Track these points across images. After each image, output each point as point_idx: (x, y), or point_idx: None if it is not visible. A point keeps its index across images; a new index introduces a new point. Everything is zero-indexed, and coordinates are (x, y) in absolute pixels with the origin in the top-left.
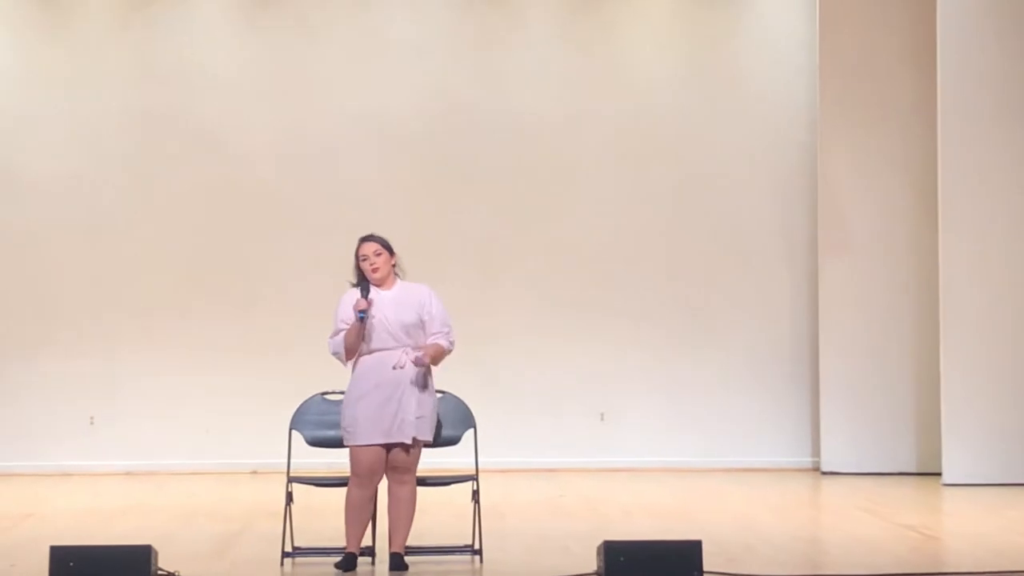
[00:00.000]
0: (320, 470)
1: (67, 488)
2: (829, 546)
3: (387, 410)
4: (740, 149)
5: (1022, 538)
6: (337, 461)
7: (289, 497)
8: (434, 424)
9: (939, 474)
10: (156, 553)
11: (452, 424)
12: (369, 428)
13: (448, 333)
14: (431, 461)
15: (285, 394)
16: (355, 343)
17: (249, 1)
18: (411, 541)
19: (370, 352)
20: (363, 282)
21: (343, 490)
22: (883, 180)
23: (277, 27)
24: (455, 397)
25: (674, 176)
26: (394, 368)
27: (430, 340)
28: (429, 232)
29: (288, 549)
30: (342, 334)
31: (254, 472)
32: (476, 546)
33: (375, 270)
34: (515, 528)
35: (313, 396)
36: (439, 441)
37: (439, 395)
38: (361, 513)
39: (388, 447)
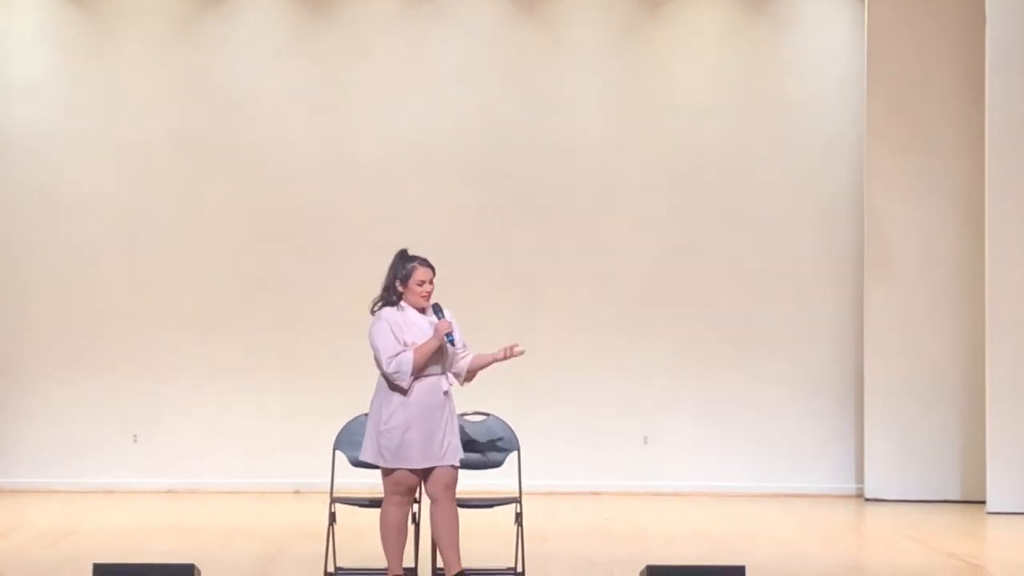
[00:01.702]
0: (363, 490)
1: (109, 505)
2: (871, 574)
3: (437, 434)
4: (785, 173)
5: None
6: (379, 481)
7: (332, 517)
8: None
9: (983, 502)
10: (199, 572)
11: (496, 446)
12: (419, 453)
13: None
14: (474, 483)
15: (329, 414)
16: (423, 367)
17: (294, 22)
18: None
19: (421, 377)
20: (397, 301)
21: None
22: (929, 204)
23: (321, 47)
24: (499, 419)
25: (718, 199)
26: (444, 394)
27: (474, 356)
28: (471, 254)
29: (331, 569)
30: (408, 354)
31: (297, 492)
32: (519, 569)
33: (427, 296)
34: (558, 551)
35: (357, 416)
36: (484, 464)
37: (483, 417)
38: (400, 534)
39: (428, 470)
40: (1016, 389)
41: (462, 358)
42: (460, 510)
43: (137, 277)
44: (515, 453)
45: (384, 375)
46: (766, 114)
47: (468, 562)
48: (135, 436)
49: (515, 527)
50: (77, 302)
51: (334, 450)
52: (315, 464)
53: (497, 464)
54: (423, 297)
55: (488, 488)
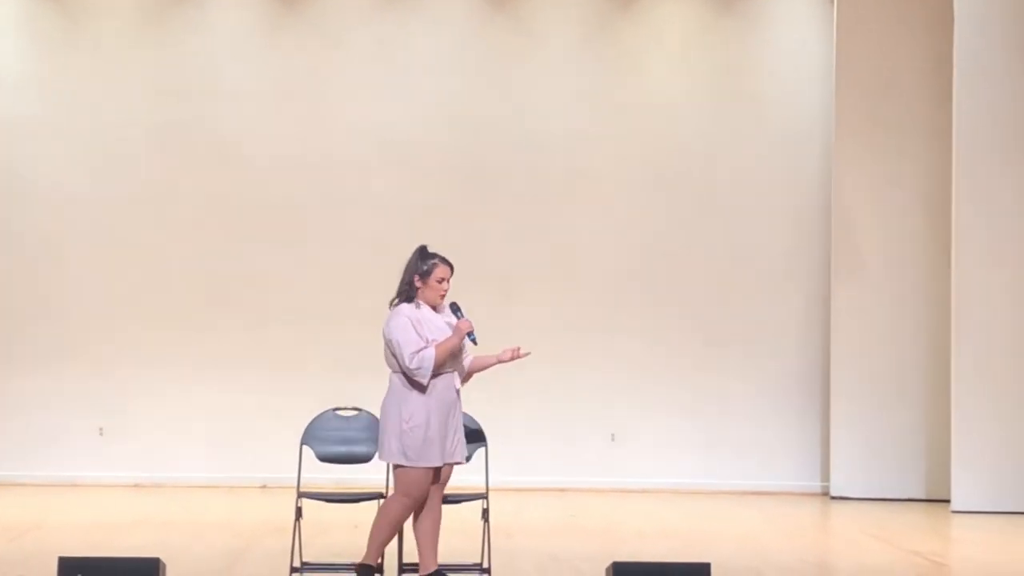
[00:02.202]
0: (330, 486)
1: (76, 499)
2: (837, 571)
3: (450, 431)
4: (755, 172)
5: None
6: (346, 477)
7: (298, 512)
8: None
9: (948, 501)
10: (164, 566)
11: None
12: (438, 450)
13: None
14: None
15: (296, 409)
16: (444, 364)
17: (268, 15)
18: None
19: (437, 375)
20: (412, 300)
21: (353, 506)
22: (897, 205)
23: (294, 41)
24: (467, 415)
25: (688, 198)
26: (456, 391)
27: (473, 357)
28: (443, 247)
29: (296, 564)
30: (431, 350)
31: (263, 487)
32: (485, 565)
33: (444, 295)
34: (525, 547)
35: (324, 412)
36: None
37: None
38: (397, 529)
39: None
40: (980, 389)
41: (464, 358)
42: None
43: (105, 270)
44: (483, 448)
45: (403, 371)
46: (736, 112)
47: None
48: (101, 429)
49: (482, 523)
50: (45, 294)
51: (301, 445)
52: (282, 459)
53: (464, 460)
54: (441, 295)
55: (455, 484)
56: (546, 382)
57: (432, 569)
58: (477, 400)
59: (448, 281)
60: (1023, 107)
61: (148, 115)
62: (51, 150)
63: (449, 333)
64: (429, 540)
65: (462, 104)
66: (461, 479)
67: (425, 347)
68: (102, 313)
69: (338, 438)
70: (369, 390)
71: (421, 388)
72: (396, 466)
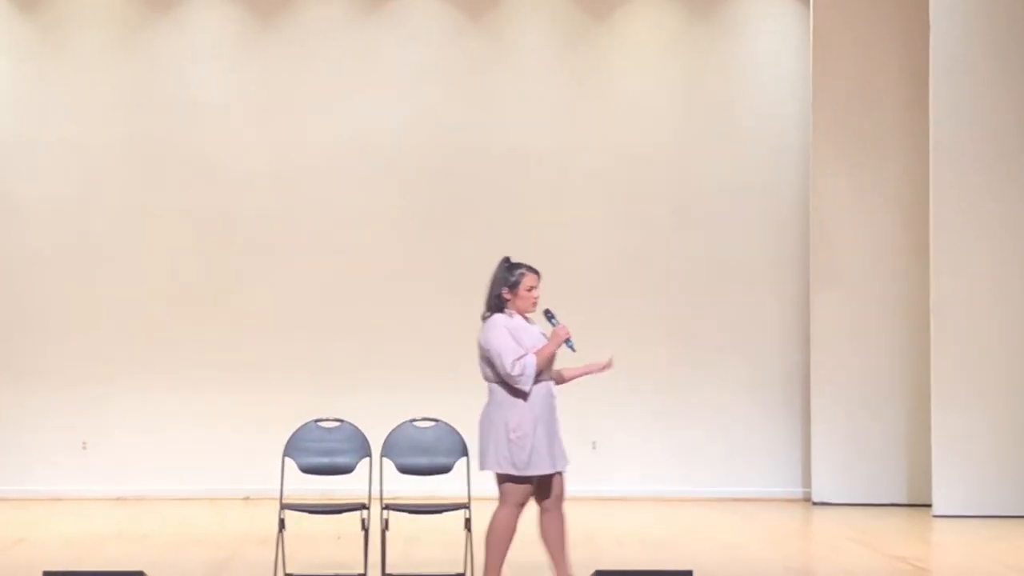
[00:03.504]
0: (313, 497)
1: (58, 513)
2: None
3: (555, 439)
4: (732, 180)
5: (1009, 570)
6: (329, 488)
7: (281, 524)
8: None
9: (929, 505)
10: None
11: (445, 452)
12: (546, 458)
13: None
14: (423, 488)
15: (278, 420)
16: (543, 370)
17: (244, 28)
18: (403, 569)
19: (537, 382)
20: (502, 310)
21: (336, 517)
22: (874, 211)
23: (270, 53)
24: (447, 425)
25: (665, 206)
26: (554, 398)
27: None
28: (419, 256)
29: None
30: (530, 357)
31: (246, 498)
32: (468, 574)
33: (536, 302)
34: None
35: (307, 423)
36: (432, 469)
37: (432, 423)
38: (507, 545)
39: (548, 476)
40: (961, 394)
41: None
42: (409, 515)
43: (86, 283)
44: (464, 458)
45: (505, 379)
46: (713, 119)
47: (417, 568)
48: (84, 443)
49: (464, 533)
50: (25, 307)
51: (284, 457)
52: (265, 471)
53: (446, 470)
54: (533, 303)
55: (437, 494)
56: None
57: (564, 575)
58: (457, 410)
59: (537, 288)
60: (1000, 114)
61: (126, 128)
62: (28, 163)
63: (544, 341)
64: (559, 548)
65: (438, 114)
66: (443, 488)
67: (525, 354)
68: (83, 326)
69: (320, 449)
70: (351, 401)
71: (524, 396)
72: (502, 477)
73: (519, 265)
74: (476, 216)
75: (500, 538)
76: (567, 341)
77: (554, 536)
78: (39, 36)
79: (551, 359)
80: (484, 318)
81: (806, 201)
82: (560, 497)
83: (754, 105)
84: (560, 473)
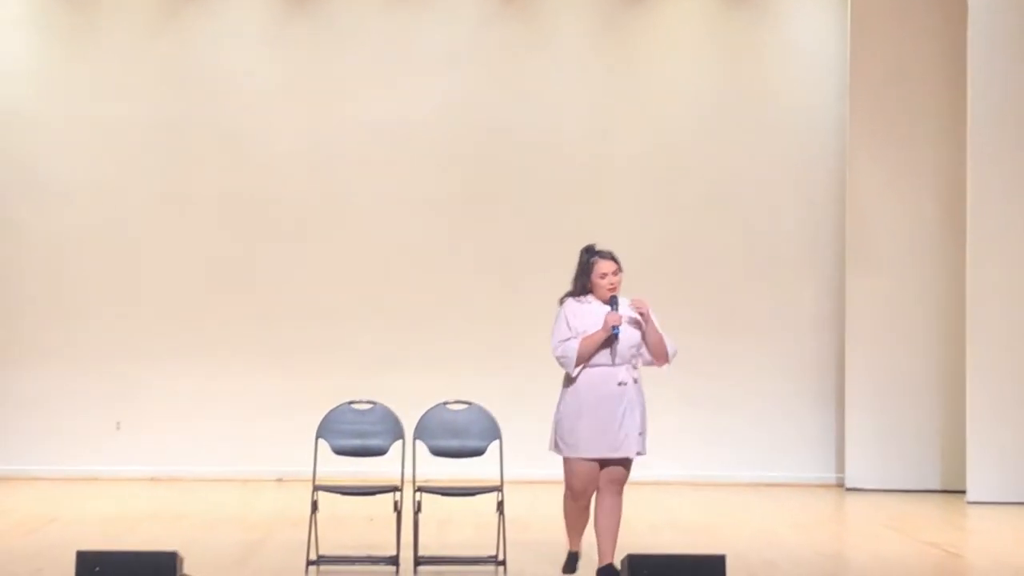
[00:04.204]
0: (346, 478)
1: (92, 492)
2: (852, 563)
3: (612, 425)
4: (768, 163)
5: None
6: (362, 469)
7: (314, 506)
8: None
9: (963, 492)
10: (182, 559)
11: (478, 435)
12: (594, 442)
13: (666, 337)
14: (456, 471)
15: (312, 402)
16: (588, 356)
17: (277, 10)
18: (435, 552)
19: (592, 366)
20: (582, 293)
21: (369, 499)
22: (911, 195)
23: (305, 36)
24: (481, 408)
25: (701, 190)
26: (620, 384)
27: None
28: (453, 241)
29: (313, 557)
30: (575, 341)
31: (279, 480)
32: (500, 557)
33: (613, 289)
34: (539, 540)
35: (340, 405)
36: (465, 452)
37: (465, 406)
38: (582, 518)
39: (603, 460)
40: (996, 380)
41: (630, 348)
42: (442, 498)
43: (120, 264)
44: (497, 442)
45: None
46: (749, 105)
47: (449, 550)
48: (118, 423)
49: (497, 516)
50: (59, 288)
51: (317, 438)
52: (298, 452)
53: (479, 452)
54: (608, 289)
55: (470, 477)
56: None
57: (605, 562)
58: (492, 393)
59: (614, 275)
60: None
61: (157, 109)
62: (62, 145)
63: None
64: (603, 535)
65: (472, 99)
66: (476, 472)
67: (571, 338)
68: (118, 308)
69: (353, 431)
70: (384, 383)
71: (573, 380)
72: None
73: (596, 252)
74: (510, 201)
75: (567, 517)
76: (614, 328)
77: (601, 521)
78: (73, 17)
79: (597, 344)
80: (560, 302)
81: (842, 186)
82: (614, 482)
83: (790, 90)
84: (619, 460)
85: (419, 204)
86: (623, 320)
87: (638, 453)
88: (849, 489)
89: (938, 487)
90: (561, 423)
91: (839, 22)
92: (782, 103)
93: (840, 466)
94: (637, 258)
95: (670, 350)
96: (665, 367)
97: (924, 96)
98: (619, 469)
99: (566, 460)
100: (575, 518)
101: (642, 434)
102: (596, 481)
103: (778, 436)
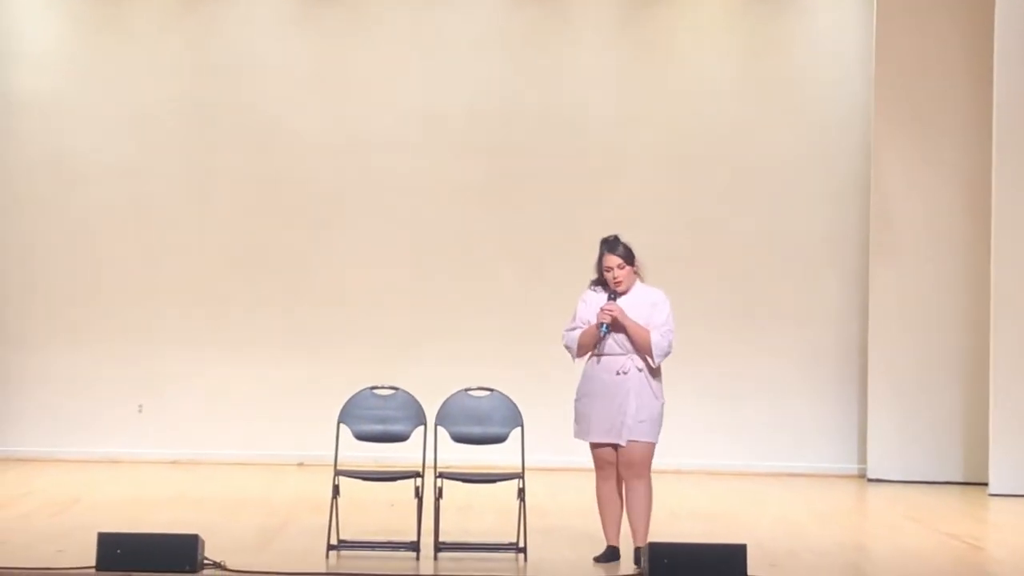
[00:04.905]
0: (367, 463)
1: (114, 475)
2: (873, 554)
3: (608, 412)
4: (793, 152)
5: None
6: (383, 455)
7: (336, 490)
8: (658, 426)
9: (986, 484)
10: (203, 542)
11: (499, 422)
12: (596, 427)
13: (665, 332)
14: (477, 458)
15: (333, 387)
16: (589, 347)
17: None
18: (456, 538)
19: (599, 355)
20: (604, 286)
21: (390, 485)
22: (936, 185)
23: (331, 21)
24: (502, 395)
25: (725, 178)
26: (617, 374)
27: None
28: (478, 228)
29: (334, 542)
30: (578, 332)
31: (300, 464)
32: (521, 544)
33: (618, 283)
34: (560, 527)
35: (362, 390)
36: (486, 439)
37: (487, 393)
38: (611, 506)
39: (616, 446)
40: (1020, 372)
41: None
42: (463, 484)
43: (144, 247)
44: (518, 429)
45: None
46: (774, 93)
47: (470, 536)
48: (140, 406)
49: (517, 502)
50: (84, 271)
51: (338, 423)
52: (319, 437)
53: (500, 439)
54: (615, 283)
55: (491, 463)
56: (580, 362)
57: (637, 544)
58: (514, 380)
59: (617, 269)
60: None
61: (183, 94)
62: (90, 128)
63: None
64: (631, 519)
65: (498, 85)
66: (497, 459)
67: (575, 327)
68: (141, 291)
69: (375, 416)
70: (407, 369)
71: (584, 367)
72: None
73: (603, 244)
74: (534, 187)
75: (598, 505)
76: (601, 325)
77: (628, 506)
78: (101, 1)
79: (592, 337)
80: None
81: (867, 175)
82: (628, 467)
83: (815, 78)
84: (628, 446)
85: (444, 190)
86: (617, 315)
87: (631, 440)
88: (871, 480)
89: (960, 479)
90: (575, 407)
91: (865, 12)
92: (807, 93)
93: (862, 457)
94: (660, 246)
95: (656, 350)
96: (655, 362)
97: (949, 87)
98: (627, 454)
99: (588, 443)
100: (604, 504)
101: (643, 422)
102: (613, 464)
103: (800, 426)
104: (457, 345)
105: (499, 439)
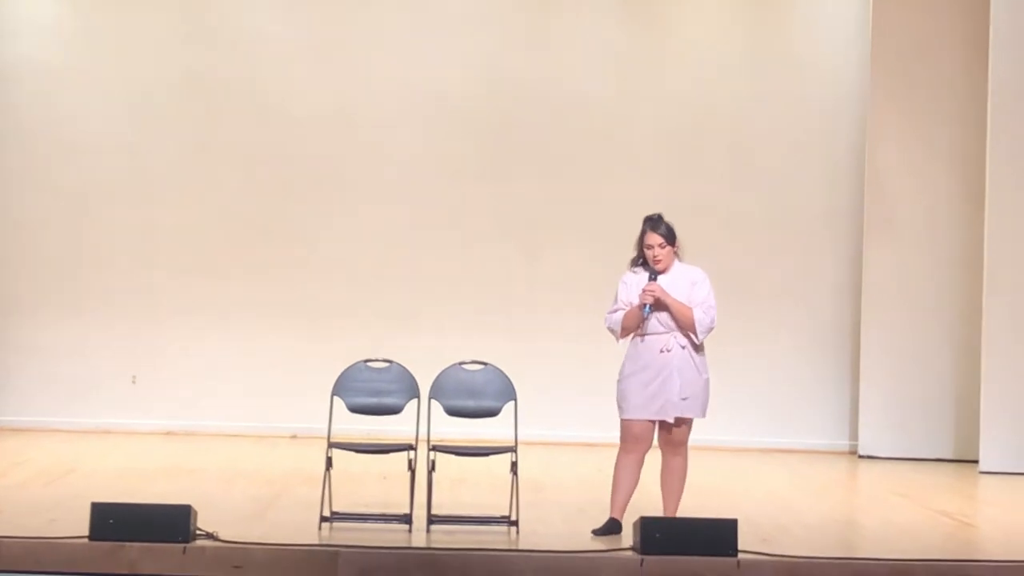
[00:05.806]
0: (360, 436)
1: (108, 446)
2: (863, 530)
3: (651, 390)
4: (789, 132)
5: None
6: (376, 428)
7: (329, 462)
8: (704, 403)
9: (976, 461)
10: (196, 513)
11: (493, 395)
12: (639, 405)
13: (707, 308)
14: (471, 432)
15: (327, 360)
16: (632, 328)
17: None
18: (449, 511)
19: (643, 334)
20: (644, 265)
21: (383, 457)
22: (931, 166)
23: None
24: (496, 368)
25: (722, 158)
26: (661, 352)
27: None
28: (476, 202)
29: (326, 514)
30: (620, 313)
31: (294, 436)
32: (513, 517)
33: (658, 261)
34: (553, 501)
35: (356, 363)
36: (480, 412)
37: (481, 366)
38: (629, 479)
39: (656, 422)
40: (1011, 350)
41: (650, 317)
42: (456, 457)
43: (140, 218)
44: (512, 403)
45: None
46: (772, 73)
47: (462, 509)
48: (134, 377)
49: (510, 476)
50: (79, 241)
51: (332, 396)
52: (313, 409)
53: (493, 413)
54: (654, 261)
55: (484, 437)
56: (576, 337)
57: (668, 515)
58: (508, 354)
59: (657, 248)
60: None
61: (181, 65)
62: (85, 99)
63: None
64: (665, 493)
65: (497, 60)
66: (490, 432)
67: (618, 309)
68: (136, 262)
69: (369, 389)
70: (402, 342)
71: (628, 346)
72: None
73: (646, 222)
74: (532, 162)
75: (614, 476)
76: (644, 306)
77: (664, 480)
78: None
79: (635, 318)
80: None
81: (862, 155)
82: (669, 444)
83: (812, 58)
84: (672, 423)
85: (440, 164)
86: (664, 295)
87: (679, 417)
88: (862, 457)
89: (951, 456)
90: (619, 385)
91: None
92: (805, 74)
93: (854, 433)
94: None
95: (699, 327)
96: (699, 339)
97: (945, 69)
98: (672, 431)
99: (622, 420)
100: (621, 477)
101: (687, 399)
102: (649, 441)
103: (793, 403)
104: (451, 318)
105: (492, 412)
